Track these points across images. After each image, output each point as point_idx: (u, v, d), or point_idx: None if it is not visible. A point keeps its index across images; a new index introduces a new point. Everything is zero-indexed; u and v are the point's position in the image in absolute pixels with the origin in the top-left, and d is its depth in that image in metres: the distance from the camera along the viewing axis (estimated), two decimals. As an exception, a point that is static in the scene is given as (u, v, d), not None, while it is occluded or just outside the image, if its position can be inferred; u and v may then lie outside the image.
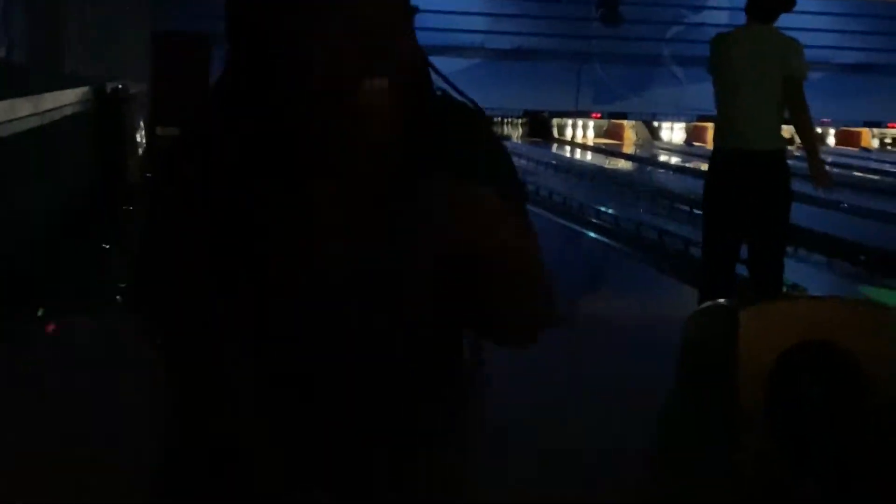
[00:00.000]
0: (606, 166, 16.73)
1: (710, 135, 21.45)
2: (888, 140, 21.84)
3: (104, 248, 7.94)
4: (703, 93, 20.07)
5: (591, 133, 21.06)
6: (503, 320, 1.26)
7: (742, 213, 4.43)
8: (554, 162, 16.88)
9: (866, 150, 20.49)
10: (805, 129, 4.57)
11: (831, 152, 17.21)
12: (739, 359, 2.33)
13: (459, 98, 1.30)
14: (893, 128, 21.42)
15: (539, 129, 20.50)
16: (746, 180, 4.38)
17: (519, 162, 15.85)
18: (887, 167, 15.93)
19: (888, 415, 2.26)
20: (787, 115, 4.56)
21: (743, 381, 2.31)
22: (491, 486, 2.87)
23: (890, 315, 2.41)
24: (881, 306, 2.57)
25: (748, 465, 2.24)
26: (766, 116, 4.42)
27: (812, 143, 4.74)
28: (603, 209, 10.18)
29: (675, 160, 17.47)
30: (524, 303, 1.24)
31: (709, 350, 2.47)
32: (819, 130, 14.26)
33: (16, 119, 8.25)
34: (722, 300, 3.12)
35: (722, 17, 19.52)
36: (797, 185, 4.73)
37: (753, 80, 4.42)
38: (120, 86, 12.45)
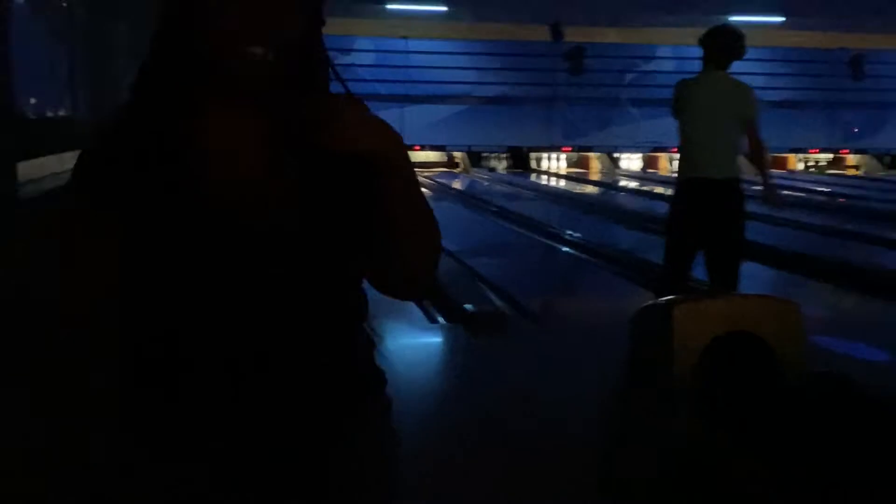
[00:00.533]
0: (575, 191, 16.74)
1: (662, 162, 21.66)
2: (811, 163, 21.89)
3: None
4: (655, 128, 20.24)
5: (563, 163, 21.07)
6: (402, 271, 1.25)
7: (701, 231, 4.44)
8: (532, 188, 16.87)
9: (792, 171, 20.59)
10: (760, 160, 4.60)
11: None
12: (673, 348, 2.32)
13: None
14: (814, 153, 21.49)
15: (519, 161, 20.51)
16: (706, 205, 4.38)
17: (503, 188, 15.99)
18: (809, 186, 15.97)
19: (794, 390, 2.26)
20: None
21: (676, 367, 2.30)
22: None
23: (794, 307, 2.39)
24: (788, 301, 2.54)
25: (681, 442, 2.22)
26: (722, 150, 4.39)
27: (765, 170, 4.70)
28: (570, 230, 10.16)
29: (633, 185, 17.45)
30: (422, 256, 1.25)
31: (648, 341, 2.46)
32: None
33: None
34: (660, 299, 3.11)
35: (669, 66, 19.59)
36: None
37: (712, 119, 4.40)
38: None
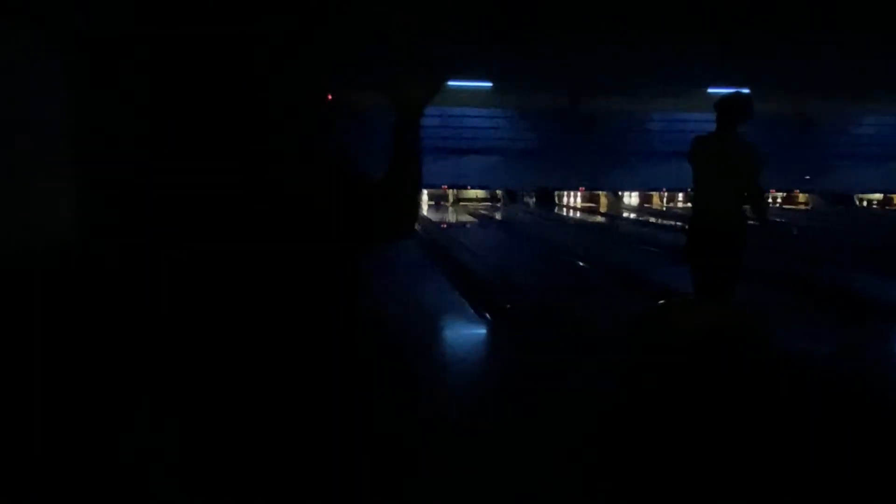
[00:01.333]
0: (588, 220, 16.67)
1: (655, 199, 21.31)
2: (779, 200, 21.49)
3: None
4: (649, 172, 19.86)
5: (578, 200, 21.07)
6: (392, 217, 1.15)
7: (703, 260, 4.12)
8: (555, 219, 16.89)
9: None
10: (757, 206, 4.17)
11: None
12: (669, 331, 2.41)
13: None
14: (773, 193, 21.05)
15: (545, 198, 20.53)
16: (707, 241, 4.08)
17: (533, 218, 16.06)
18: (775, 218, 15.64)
19: (741, 365, 2.35)
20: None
21: (671, 344, 2.38)
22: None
23: (737, 311, 2.51)
24: (736, 309, 2.67)
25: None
26: (723, 198, 4.05)
27: (763, 214, 4.25)
28: (583, 250, 10.11)
29: (632, 216, 17.30)
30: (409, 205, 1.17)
31: (655, 328, 2.55)
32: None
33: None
34: (662, 301, 3.23)
35: (659, 126, 19.47)
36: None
37: (717, 171, 4.07)
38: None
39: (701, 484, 2.21)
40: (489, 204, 20.28)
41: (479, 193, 20.76)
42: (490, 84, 18.26)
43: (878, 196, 21.43)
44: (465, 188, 20.63)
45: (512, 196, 20.50)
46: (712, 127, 4.13)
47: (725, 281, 4.03)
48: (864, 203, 21.38)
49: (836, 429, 2.75)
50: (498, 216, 16.75)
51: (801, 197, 21.46)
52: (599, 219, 17.25)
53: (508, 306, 5.52)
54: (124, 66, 1.04)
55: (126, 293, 0.99)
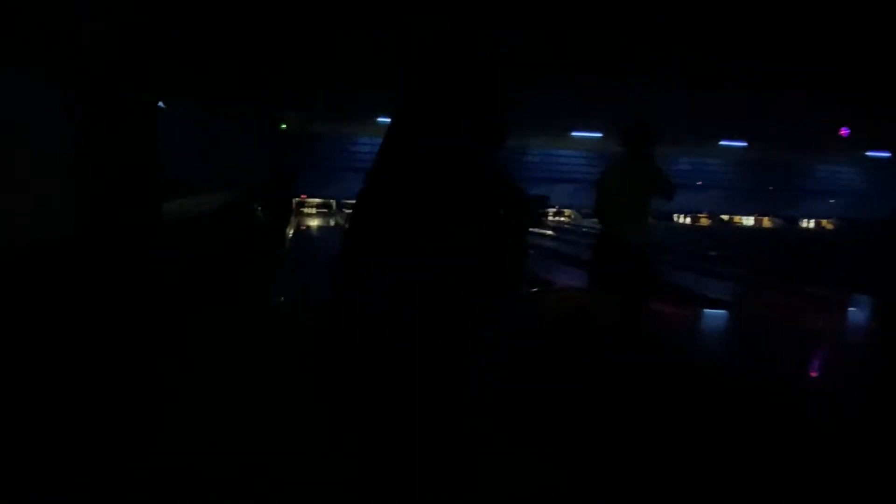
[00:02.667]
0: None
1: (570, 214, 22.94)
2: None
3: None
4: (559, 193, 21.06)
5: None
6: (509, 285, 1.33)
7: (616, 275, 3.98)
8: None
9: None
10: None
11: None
12: (547, 312, 2.84)
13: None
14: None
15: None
16: (610, 258, 4.07)
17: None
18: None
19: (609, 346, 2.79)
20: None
21: (551, 322, 2.78)
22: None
23: (601, 297, 3.01)
24: (604, 294, 3.12)
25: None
26: (619, 219, 4.06)
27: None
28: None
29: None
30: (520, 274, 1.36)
31: (536, 307, 3.01)
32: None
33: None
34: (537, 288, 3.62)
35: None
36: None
37: (614, 195, 4.10)
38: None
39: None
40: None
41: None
42: (600, 133, 21.48)
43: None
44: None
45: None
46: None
47: (634, 296, 3.92)
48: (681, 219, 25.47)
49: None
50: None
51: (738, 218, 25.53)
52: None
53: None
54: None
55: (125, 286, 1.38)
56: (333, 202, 22.17)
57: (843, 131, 16.94)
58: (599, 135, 21.66)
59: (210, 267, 6.99)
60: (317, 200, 22.06)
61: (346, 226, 1.32)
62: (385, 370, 1.19)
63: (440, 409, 1.21)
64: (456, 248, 1.19)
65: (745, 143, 23.41)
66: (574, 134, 22.40)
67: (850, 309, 7.59)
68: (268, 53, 10.53)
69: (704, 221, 24.97)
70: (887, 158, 24.19)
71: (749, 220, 25.65)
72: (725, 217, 25.53)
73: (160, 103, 10.15)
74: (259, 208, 16.00)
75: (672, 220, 24.45)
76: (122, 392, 3.17)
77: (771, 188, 26.18)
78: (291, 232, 14.21)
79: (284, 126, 19.10)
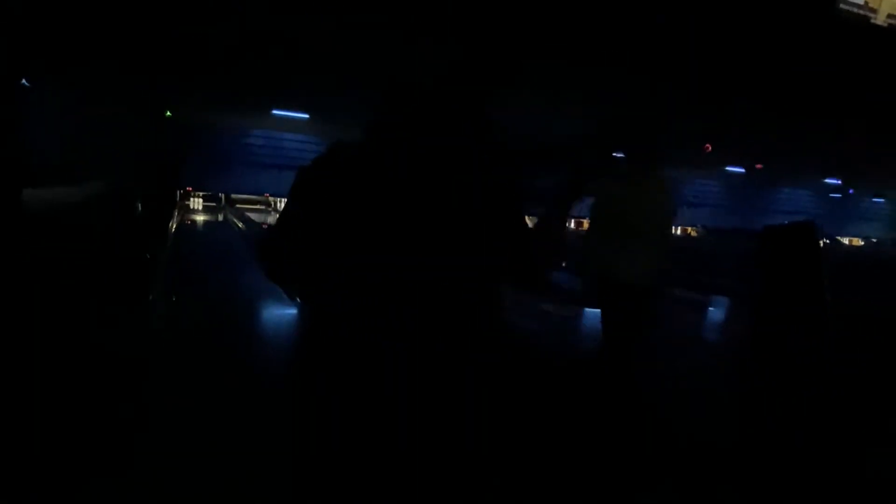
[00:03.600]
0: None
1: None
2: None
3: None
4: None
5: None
6: (539, 273, 1.35)
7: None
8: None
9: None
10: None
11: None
12: None
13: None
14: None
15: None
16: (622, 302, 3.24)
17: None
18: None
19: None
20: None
21: None
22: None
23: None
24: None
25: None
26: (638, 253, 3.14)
27: None
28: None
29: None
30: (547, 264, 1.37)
31: None
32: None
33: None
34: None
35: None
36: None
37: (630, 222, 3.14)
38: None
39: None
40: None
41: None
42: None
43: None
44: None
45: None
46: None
47: (637, 336, 3.18)
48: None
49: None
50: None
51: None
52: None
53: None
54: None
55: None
56: (222, 196, 21.31)
57: (706, 147, 18.40)
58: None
59: (75, 262, 6.46)
60: (203, 194, 21.09)
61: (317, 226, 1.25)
62: (391, 372, 1.18)
63: (445, 409, 1.21)
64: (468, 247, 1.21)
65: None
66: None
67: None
68: (155, 34, 9.91)
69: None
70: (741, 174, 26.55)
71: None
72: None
73: (23, 81, 9.33)
74: (138, 200, 15.05)
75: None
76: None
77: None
78: (174, 227, 13.47)
79: (170, 114, 18.09)
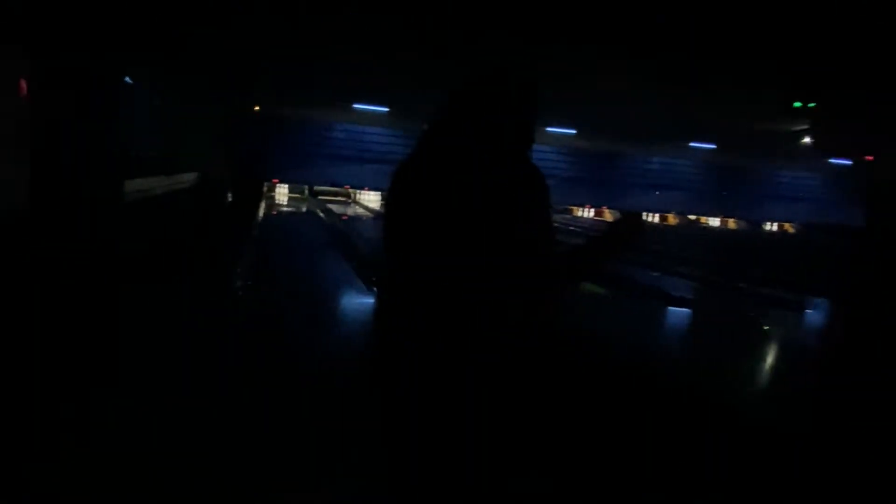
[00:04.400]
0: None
1: (607, 213, 23.86)
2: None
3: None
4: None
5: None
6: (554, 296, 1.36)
7: None
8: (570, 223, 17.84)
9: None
10: None
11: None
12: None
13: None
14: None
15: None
16: None
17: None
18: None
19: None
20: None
21: None
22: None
23: None
24: None
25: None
26: None
27: None
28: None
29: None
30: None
31: None
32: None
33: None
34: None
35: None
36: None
37: None
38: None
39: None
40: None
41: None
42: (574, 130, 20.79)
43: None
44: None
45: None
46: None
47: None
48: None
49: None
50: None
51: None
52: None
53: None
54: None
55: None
56: (306, 188, 21.95)
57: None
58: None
59: (170, 249, 6.85)
60: (288, 185, 21.81)
61: (395, 229, 1.34)
62: (456, 372, 1.23)
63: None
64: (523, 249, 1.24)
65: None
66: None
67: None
68: (247, 35, 10.35)
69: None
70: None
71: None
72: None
73: (126, 79, 9.94)
74: (229, 191, 15.77)
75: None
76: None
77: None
78: (261, 216, 14.03)
79: (258, 108, 18.81)
